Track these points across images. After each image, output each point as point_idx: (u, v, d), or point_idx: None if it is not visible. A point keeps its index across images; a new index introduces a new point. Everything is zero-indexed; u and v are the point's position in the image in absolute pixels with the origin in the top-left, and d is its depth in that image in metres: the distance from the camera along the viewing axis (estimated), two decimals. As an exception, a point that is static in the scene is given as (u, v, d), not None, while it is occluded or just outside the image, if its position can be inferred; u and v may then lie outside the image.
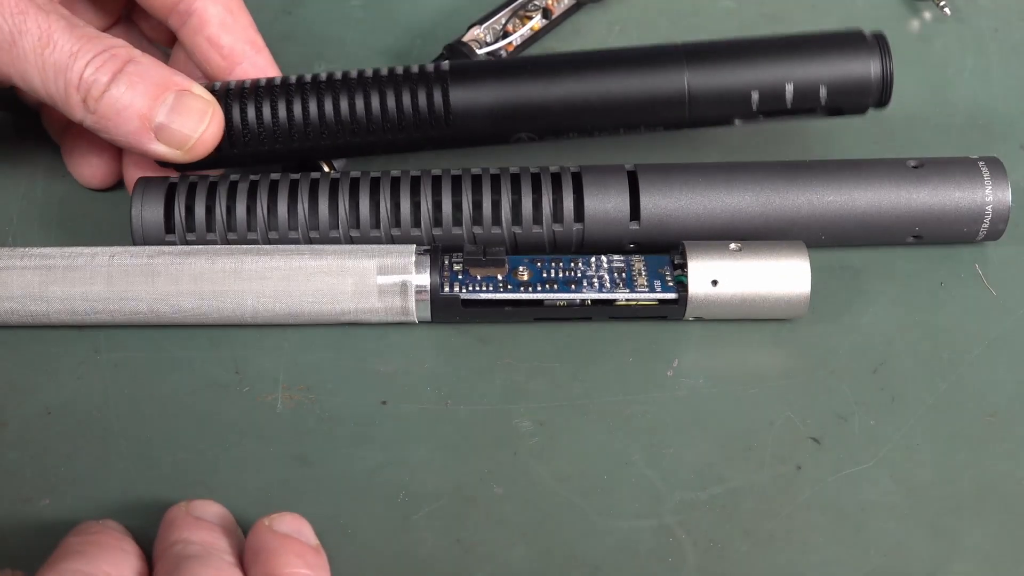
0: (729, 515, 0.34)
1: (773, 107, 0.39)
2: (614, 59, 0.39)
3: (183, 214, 0.38)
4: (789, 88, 0.38)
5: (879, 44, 0.39)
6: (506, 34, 0.46)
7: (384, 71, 0.39)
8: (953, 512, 0.34)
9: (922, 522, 0.34)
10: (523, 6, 0.47)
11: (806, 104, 0.39)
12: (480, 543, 0.33)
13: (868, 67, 0.39)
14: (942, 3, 0.49)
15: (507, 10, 0.47)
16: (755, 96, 0.38)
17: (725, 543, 0.33)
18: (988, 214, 0.39)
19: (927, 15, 0.50)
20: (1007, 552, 0.33)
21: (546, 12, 0.48)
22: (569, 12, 0.49)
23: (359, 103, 0.39)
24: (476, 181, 0.38)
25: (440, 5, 0.50)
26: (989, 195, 0.39)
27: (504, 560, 0.33)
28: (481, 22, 0.46)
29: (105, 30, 0.42)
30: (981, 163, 0.39)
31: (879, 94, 0.39)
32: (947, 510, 0.34)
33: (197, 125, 0.37)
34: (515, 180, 0.38)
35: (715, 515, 0.34)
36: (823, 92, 0.38)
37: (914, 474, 0.35)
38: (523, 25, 0.47)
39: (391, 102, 0.39)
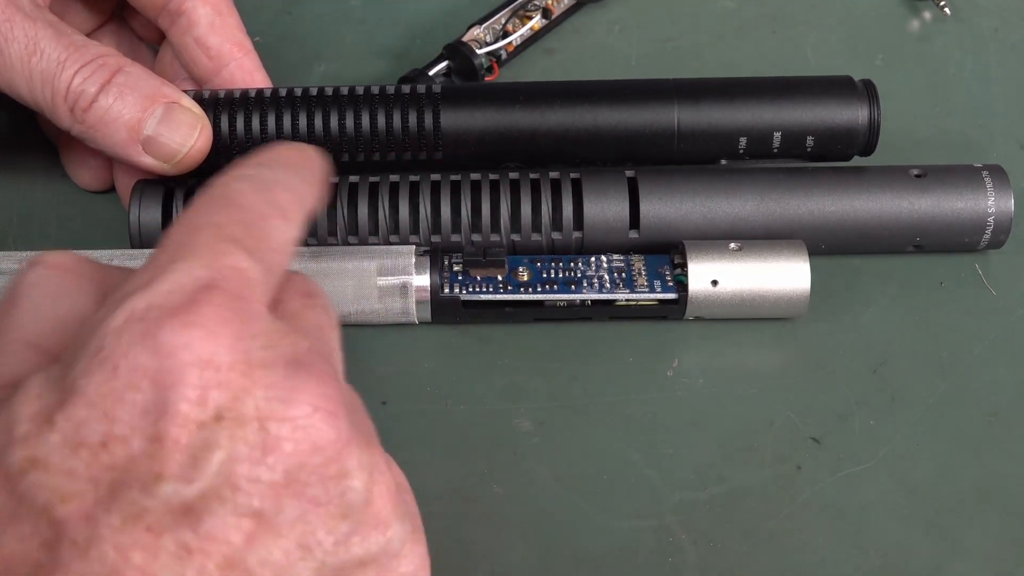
0: (729, 515, 0.34)
1: (760, 151, 0.39)
2: (607, 91, 0.39)
3: None
4: (777, 136, 0.39)
5: (868, 92, 0.39)
6: (506, 34, 0.46)
7: (376, 89, 0.39)
8: (953, 512, 0.34)
9: (922, 522, 0.34)
10: (523, 6, 0.47)
11: (793, 151, 0.39)
12: (480, 543, 0.33)
13: (856, 116, 0.39)
14: (942, 3, 0.49)
15: (507, 10, 0.47)
16: (743, 141, 0.39)
17: (725, 543, 0.33)
18: (990, 225, 0.39)
19: (927, 15, 0.50)
20: (1007, 552, 0.33)
21: (546, 12, 0.48)
22: (569, 12, 0.49)
23: (349, 120, 0.39)
24: (475, 187, 0.38)
25: (440, 5, 0.50)
26: (992, 206, 0.38)
27: (504, 560, 0.33)
28: (481, 22, 0.46)
29: (97, 29, 0.42)
30: (984, 172, 0.39)
31: (865, 143, 0.39)
32: (947, 510, 0.34)
33: (186, 138, 0.37)
34: (514, 186, 0.38)
35: (715, 515, 0.34)
36: (810, 141, 0.39)
37: (914, 474, 0.35)
38: (523, 25, 0.47)
39: (381, 121, 0.39)
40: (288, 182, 0.27)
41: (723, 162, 0.40)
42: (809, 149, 0.39)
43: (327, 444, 0.22)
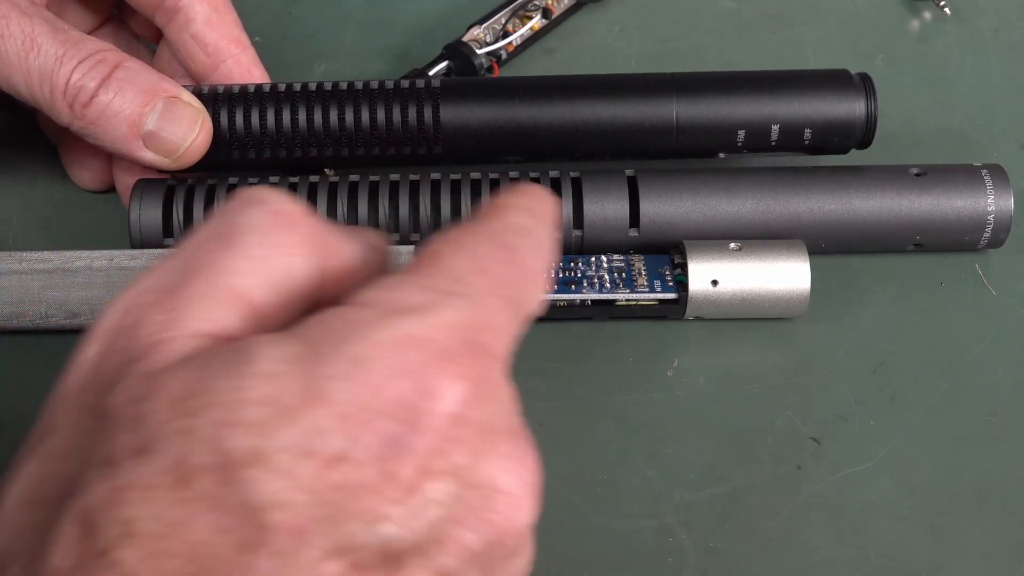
0: (729, 515, 0.34)
1: (758, 144, 0.39)
2: (606, 86, 0.39)
3: (181, 217, 0.38)
4: (775, 128, 0.39)
5: (865, 85, 0.39)
6: (506, 34, 0.46)
7: (375, 84, 0.39)
8: (953, 512, 0.34)
9: (922, 522, 0.34)
10: (523, 6, 0.47)
11: (790, 144, 0.39)
12: (480, 543, 0.33)
13: (853, 109, 0.39)
14: (942, 3, 0.49)
15: (507, 10, 0.47)
16: (741, 134, 0.39)
17: (725, 543, 0.33)
18: (990, 224, 0.39)
19: (927, 15, 0.50)
20: (1007, 552, 0.33)
21: (546, 12, 0.48)
22: (569, 12, 0.49)
23: (349, 115, 0.39)
24: (475, 185, 0.38)
25: (440, 5, 0.50)
26: (991, 205, 0.38)
27: (504, 560, 0.33)
28: (481, 22, 0.46)
29: (95, 29, 0.42)
30: (984, 171, 0.39)
31: (862, 136, 0.39)
32: (947, 510, 0.34)
33: (187, 133, 0.37)
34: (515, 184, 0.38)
35: (715, 515, 0.34)
36: (807, 134, 0.39)
37: (914, 474, 0.35)
38: (523, 25, 0.47)
39: (381, 116, 0.39)
40: (549, 244, 0.26)
41: (721, 155, 0.40)
42: (807, 142, 0.39)
43: (524, 523, 0.22)
